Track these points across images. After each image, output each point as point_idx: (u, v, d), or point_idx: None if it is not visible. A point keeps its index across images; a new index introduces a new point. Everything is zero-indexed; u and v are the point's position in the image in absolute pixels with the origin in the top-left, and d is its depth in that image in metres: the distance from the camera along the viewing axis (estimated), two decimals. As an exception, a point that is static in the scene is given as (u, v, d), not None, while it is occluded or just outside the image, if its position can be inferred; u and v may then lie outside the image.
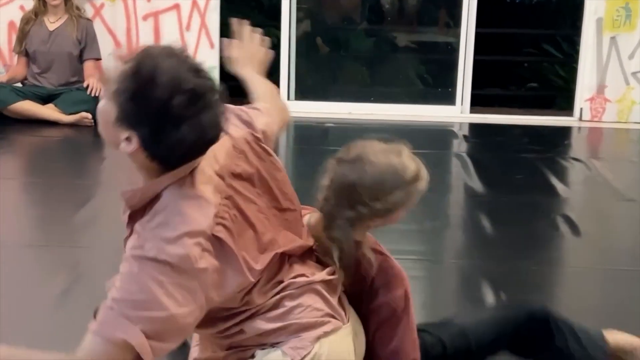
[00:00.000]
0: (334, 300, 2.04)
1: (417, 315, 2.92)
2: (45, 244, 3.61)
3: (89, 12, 6.30)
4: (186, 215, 1.83)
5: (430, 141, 5.84)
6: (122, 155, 1.85)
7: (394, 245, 3.58)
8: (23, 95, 5.87)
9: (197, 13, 6.42)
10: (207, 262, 1.83)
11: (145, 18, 6.42)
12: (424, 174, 2.12)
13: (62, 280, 3.12)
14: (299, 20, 6.88)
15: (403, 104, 6.81)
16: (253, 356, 1.96)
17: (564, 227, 3.95)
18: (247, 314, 1.95)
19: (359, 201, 2.01)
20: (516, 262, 3.48)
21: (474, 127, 6.38)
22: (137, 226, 1.85)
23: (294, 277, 2.01)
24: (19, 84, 6.05)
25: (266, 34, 8.44)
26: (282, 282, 1.99)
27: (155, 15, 6.42)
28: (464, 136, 6.10)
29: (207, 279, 1.83)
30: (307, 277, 2.03)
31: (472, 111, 6.70)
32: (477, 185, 4.68)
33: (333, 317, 2.00)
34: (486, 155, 5.42)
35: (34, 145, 5.48)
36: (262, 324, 1.95)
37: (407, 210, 2.10)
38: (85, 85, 5.92)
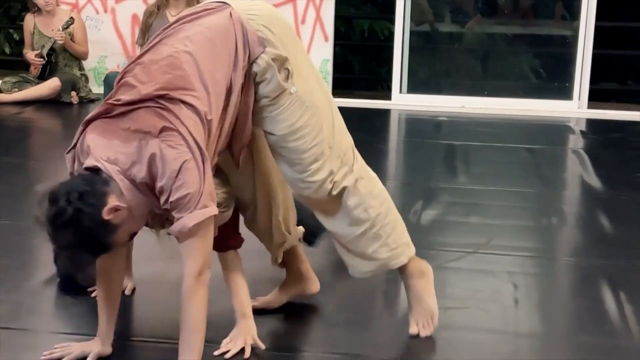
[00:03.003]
0: None
1: (534, 312, 2.91)
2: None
3: (208, 5, 6.46)
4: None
5: (545, 137, 5.75)
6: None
7: (509, 242, 3.59)
8: (144, 86, 6.08)
9: (312, 6, 6.50)
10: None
11: (262, 11, 6.54)
12: None
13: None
14: (412, 14, 6.87)
15: (517, 99, 6.71)
16: None
17: (686, 228, 3.84)
18: None
19: None
20: (635, 261, 3.40)
21: (591, 122, 6.24)
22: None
23: None
24: (141, 75, 6.27)
25: (380, 27, 8.48)
26: None
27: (272, 8, 6.54)
28: (581, 132, 5.97)
29: None
30: None
31: (589, 106, 6.54)
32: (594, 182, 4.58)
33: None
34: (604, 152, 5.30)
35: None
36: None
37: None
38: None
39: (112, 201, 2.18)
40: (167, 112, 2.24)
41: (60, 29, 6.22)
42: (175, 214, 2.24)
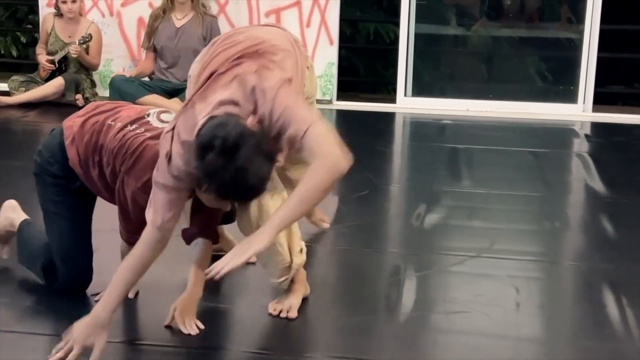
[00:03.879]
0: None
1: (536, 316, 2.92)
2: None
3: (214, 9, 6.48)
4: None
5: (550, 140, 5.75)
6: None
7: (511, 246, 3.59)
8: (150, 89, 6.10)
9: (317, 10, 6.51)
10: None
11: (267, 15, 6.56)
12: None
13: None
14: (417, 17, 6.88)
15: (522, 102, 6.71)
16: None
17: (690, 232, 3.83)
18: None
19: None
20: (638, 265, 3.40)
21: (596, 126, 6.23)
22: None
23: None
24: (147, 79, 6.29)
25: (385, 30, 8.49)
26: None
27: (277, 12, 6.55)
28: (586, 135, 5.97)
29: None
30: None
31: (594, 110, 6.54)
32: (598, 186, 4.58)
33: None
34: (608, 156, 5.29)
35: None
36: None
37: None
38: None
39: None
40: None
41: (77, 43, 6.23)
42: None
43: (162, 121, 2.75)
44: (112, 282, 2.51)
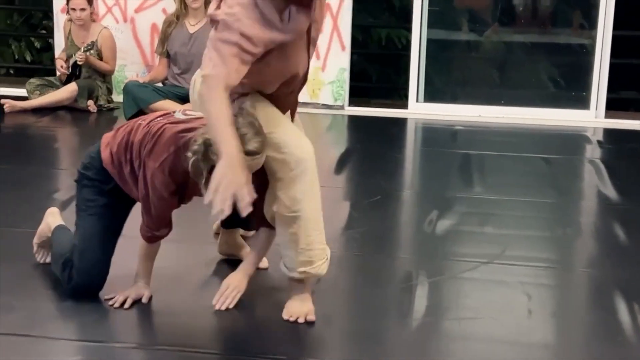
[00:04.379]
0: None
1: (547, 323, 2.92)
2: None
3: (226, 15, 6.49)
4: None
5: (562, 146, 5.75)
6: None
7: (523, 252, 3.59)
8: (164, 94, 6.13)
9: (329, 16, 6.53)
10: None
11: (279, 20, 6.57)
12: (260, 158, 2.64)
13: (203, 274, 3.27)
14: (429, 22, 6.89)
15: (534, 108, 6.71)
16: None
17: (702, 239, 3.83)
18: None
19: (210, 141, 2.55)
20: (651, 273, 3.40)
21: (608, 132, 6.23)
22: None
23: None
24: (160, 84, 6.33)
25: (397, 36, 8.49)
26: None
27: (289, 17, 6.57)
28: (598, 142, 5.96)
29: None
30: None
31: (606, 116, 6.53)
32: (610, 192, 4.58)
33: None
34: (621, 162, 5.29)
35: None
36: None
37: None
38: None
39: None
40: None
41: (82, 50, 6.29)
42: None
43: (187, 115, 2.85)
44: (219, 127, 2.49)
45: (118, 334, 2.77)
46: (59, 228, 3.20)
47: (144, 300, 2.93)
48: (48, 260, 3.26)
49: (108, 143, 2.91)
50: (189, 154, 2.61)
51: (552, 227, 3.97)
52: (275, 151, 2.72)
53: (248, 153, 2.56)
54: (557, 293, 3.26)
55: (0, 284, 3.08)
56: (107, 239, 2.94)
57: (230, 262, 3.32)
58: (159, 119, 2.87)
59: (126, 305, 2.89)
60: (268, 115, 2.77)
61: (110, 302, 2.91)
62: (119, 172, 2.88)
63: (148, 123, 2.85)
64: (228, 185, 2.37)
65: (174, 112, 2.93)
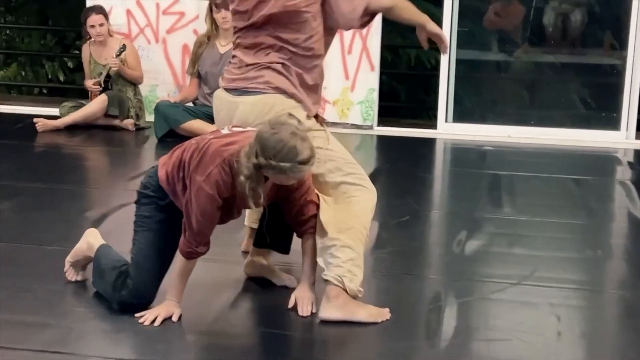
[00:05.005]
0: None
1: (577, 345, 2.91)
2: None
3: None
4: None
5: (592, 167, 5.71)
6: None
7: (553, 274, 3.57)
8: (194, 114, 6.19)
9: (359, 37, 6.56)
10: None
11: (309, 41, 6.62)
12: (312, 163, 2.76)
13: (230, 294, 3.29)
14: (459, 42, 6.90)
15: (564, 128, 6.68)
16: None
17: None
18: None
19: (261, 153, 2.70)
20: (683, 295, 3.37)
21: (639, 153, 6.17)
22: None
23: None
24: (191, 104, 6.39)
25: (426, 56, 8.47)
26: None
27: (319, 38, 6.61)
28: (629, 163, 5.92)
29: None
30: None
31: (637, 137, 6.49)
32: (641, 214, 4.55)
33: None
34: (652, 184, 5.25)
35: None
36: None
37: (293, 179, 2.79)
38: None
39: None
40: None
41: (114, 57, 6.38)
42: None
43: (232, 130, 2.99)
44: None
45: (148, 351, 2.80)
46: (104, 246, 3.27)
47: (174, 318, 2.96)
48: (79, 278, 3.31)
49: (164, 163, 3.02)
50: (242, 178, 2.73)
51: (582, 249, 3.94)
52: (359, 181, 3.13)
53: (302, 162, 2.71)
54: (587, 315, 3.24)
55: (33, 302, 3.13)
56: (162, 253, 3.03)
57: (259, 282, 3.34)
58: (207, 136, 2.99)
59: (156, 323, 2.92)
60: (343, 150, 3.20)
61: (141, 320, 2.94)
62: (172, 190, 2.97)
63: (198, 141, 2.95)
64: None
65: (223, 128, 3.05)
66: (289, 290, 3.20)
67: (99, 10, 6.52)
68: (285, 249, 3.33)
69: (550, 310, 3.17)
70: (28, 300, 3.13)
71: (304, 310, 3.03)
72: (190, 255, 2.92)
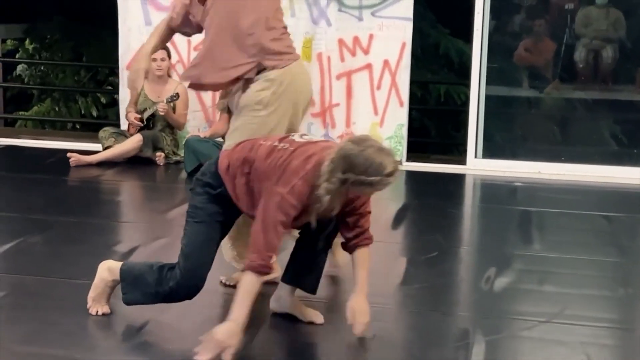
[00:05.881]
0: None
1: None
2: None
3: (286, 71, 6.60)
4: None
5: (623, 204, 5.65)
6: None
7: (583, 312, 3.53)
8: (223, 149, 6.22)
9: (388, 72, 6.58)
10: None
11: (338, 77, 6.66)
12: (396, 175, 2.92)
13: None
14: (488, 79, 6.89)
15: (595, 165, 6.62)
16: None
17: None
18: None
19: (349, 169, 2.85)
20: None
21: (671, 190, 6.11)
22: None
23: None
24: (220, 139, 6.42)
25: (455, 91, 8.49)
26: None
27: (348, 74, 6.65)
28: (661, 200, 5.85)
29: None
30: None
31: (669, 173, 6.41)
32: (674, 252, 4.48)
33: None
34: (685, 221, 5.18)
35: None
36: None
37: (378, 191, 2.96)
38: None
39: None
40: None
41: (165, 102, 6.43)
42: None
43: (304, 138, 3.11)
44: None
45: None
46: (127, 262, 3.35)
47: (227, 358, 2.83)
48: (105, 310, 3.31)
49: (228, 154, 3.13)
50: (322, 192, 2.86)
51: (613, 287, 3.89)
52: None
53: (388, 175, 2.87)
54: (618, 354, 3.19)
55: (60, 335, 3.14)
56: (210, 245, 3.10)
57: (285, 317, 3.33)
58: (282, 144, 3.05)
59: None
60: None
61: (197, 357, 2.83)
62: (231, 181, 3.06)
63: (271, 146, 3.05)
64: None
65: (292, 134, 3.18)
66: (315, 326, 3.19)
67: (164, 46, 6.60)
68: (312, 288, 3.32)
69: (581, 348, 3.13)
70: (55, 334, 3.15)
71: (362, 321, 3.06)
72: (263, 270, 2.90)
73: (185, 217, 3.15)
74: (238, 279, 3.24)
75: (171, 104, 6.45)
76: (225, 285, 3.62)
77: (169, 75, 6.65)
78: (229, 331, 2.84)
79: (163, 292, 3.09)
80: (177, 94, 6.46)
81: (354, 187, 2.90)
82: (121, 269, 3.26)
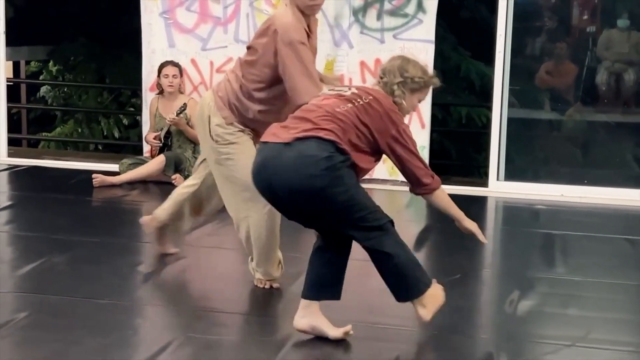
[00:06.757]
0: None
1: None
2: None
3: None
4: None
5: (647, 227, 5.61)
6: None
7: (608, 335, 3.50)
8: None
9: (410, 94, 6.58)
10: None
11: (360, 99, 6.67)
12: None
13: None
14: (510, 101, 6.89)
15: (618, 188, 6.58)
16: None
17: None
18: None
19: (405, 71, 3.37)
20: None
21: (695, 213, 6.06)
22: None
23: None
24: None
25: (477, 114, 8.45)
26: None
27: (370, 96, 6.66)
28: (685, 223, 5.80)
29: None
30: None
31: (693, 197, 6.37)
32: (699, 275, 4.44)
33: None
34: None
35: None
36: None
37: (426, 94, 3.50)
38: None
39: None
40: None
41: (174, 114, 6.48)
42: None
43: (334, 90, 3.46)
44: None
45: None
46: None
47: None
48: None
49: (337, 135, 3.22)
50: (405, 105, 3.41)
51: (637, 310, 3.86)
52: None
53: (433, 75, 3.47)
54: (644, 379, 3.16)
55: (83, 355, 3.15)
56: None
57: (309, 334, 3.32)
58: (352, 104, 3.31)
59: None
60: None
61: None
62: (354, 149, 3.26)
63: (355, 105, 3.30)
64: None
65: (322, 92, 3.50)
66: (340, 343, 3.18)
67: (176, 63, 6.68)
68: (336, 294, 3.37)
69: (606, 373, 3.10)
70: (78, 354, 3.16)
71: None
72: (438, 181, 3.43)
73: (347, 196, 3.18)
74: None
75: (182, 116, 6.49)
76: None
77: (181, 92, 6.71)
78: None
79: (382, 234, 3.27)
80: (185, 104, 6.51)
81: (419, 91, 3.40)
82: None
